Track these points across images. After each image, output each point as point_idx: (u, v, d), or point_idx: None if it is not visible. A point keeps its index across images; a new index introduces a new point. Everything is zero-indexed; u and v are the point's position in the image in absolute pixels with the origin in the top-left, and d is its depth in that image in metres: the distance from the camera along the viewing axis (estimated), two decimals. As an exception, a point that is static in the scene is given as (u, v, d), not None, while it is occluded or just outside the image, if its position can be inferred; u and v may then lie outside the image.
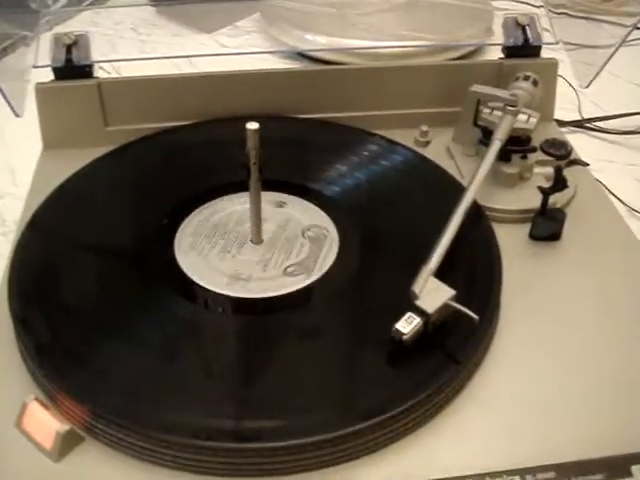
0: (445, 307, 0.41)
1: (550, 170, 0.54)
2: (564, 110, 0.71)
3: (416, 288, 0.42)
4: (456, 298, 0.41)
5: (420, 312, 0.41)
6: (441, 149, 0.58)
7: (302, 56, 0.86)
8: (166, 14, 0.94)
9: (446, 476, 0.37)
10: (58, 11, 0.64)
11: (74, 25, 0.84)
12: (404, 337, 0.40)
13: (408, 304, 0.41)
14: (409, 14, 0.88)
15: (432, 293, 0.41)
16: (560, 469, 0.37)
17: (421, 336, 0.40)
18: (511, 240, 0.50)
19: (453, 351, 0.41)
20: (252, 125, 0.41)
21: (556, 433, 0.39)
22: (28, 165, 0.58)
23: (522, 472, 0.37)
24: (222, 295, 0.45)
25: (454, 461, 0.38)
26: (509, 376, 0.42)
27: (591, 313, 0.46)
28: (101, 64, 0.60)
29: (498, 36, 0.85)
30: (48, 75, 0.57)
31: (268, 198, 0.51)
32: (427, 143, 0.59)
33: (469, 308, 0.41)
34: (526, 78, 0.56)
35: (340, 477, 0.37)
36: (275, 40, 0.88)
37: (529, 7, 0.89)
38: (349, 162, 0.55)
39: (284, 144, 0.55)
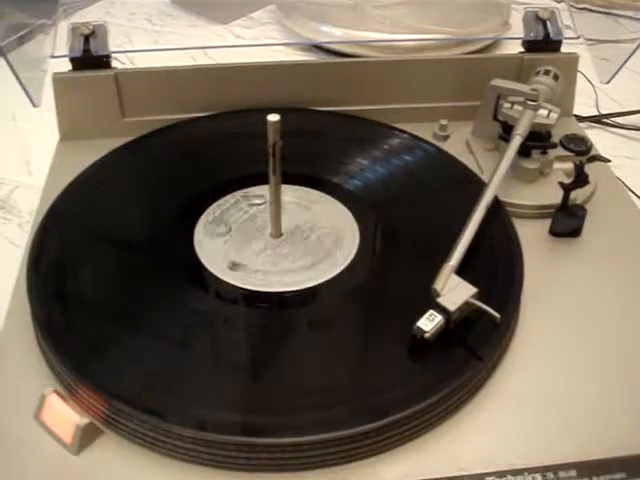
0: (467, 305, 0.41)
1: (570, 166, 0.54)
2: (581, 105, 0.70)
3: (438, 286, 0.41)
4: (478, 295, 0.41)
5: (442, 310, 0.40)
6: (460, 143, 0.57)
7: (317, 48, 0.86)
8: (181, 5, 0.94)
9: (467, 473, 0.37)
10: (76, 0, 0.64)
11: (88, 15, 0.83)
12: (426, 335, 0.40)
13: (429, 302, 0.41)
14: (425, 7, 0.88)
15: (454, 291, 0.41)
16: (581, 467, 0.37)
17: (442, 333, 0.40)
18: (531, 236, 0.49)
19: (474, 348, 0.40)
20: (273, 117, 0.41)
21: (577, 431, 0.39)
22: (43, 155, 0.58)
23: (543, 470, 0.37)
24: (239, 288, 0.45)
25: (475, 458, 0.37)
26: (530, 373, 0.41)
27: (611, 310, 0.45)
28: (116, 55, 0.59)
29: (515, 30, 0.85)
30: (64, 65, 0.57)
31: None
32: (446, 137, 0.58)
33: (490, 305, 0.41)
34: (547, 72, 0.56)
35: (360, 474, 0.37)
36: (290, 32, 0.88)
37: (547, 1, 0.88)
38: (376, 160, 0.55)
39: (305, 137, 0.55)
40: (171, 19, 0.92)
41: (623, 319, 0.45)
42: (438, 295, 0.41)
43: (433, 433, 0.38)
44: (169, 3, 0.94)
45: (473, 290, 0.41)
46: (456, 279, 0.42)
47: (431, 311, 0.40)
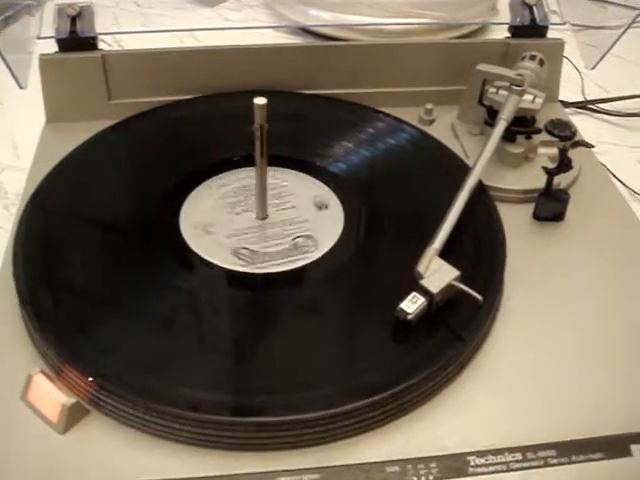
0: (449, 287, 0.41)
1: (554, 151, 0.54)
2: (567, 91, 0.71)
3: (421, 268, 0.42)
4: (460, 278, 0.42)
5: (424, 292, 0.41)
6: (446, 128, 0.58)
7: (305, 31, 0.86)
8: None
9: (449, 453, 0.37)
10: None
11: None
12: (409, 317, 0.40)
13: (413, 284, 0.41)
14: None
15: (437, 273, 0.42)
16: (561, 447, 0.38)
17: (425, 315, 0.41)
18: (514, 220, 0.50)
19: (457, 329, 0.41)
20: (260, 100, 0.41)
21: (557, 411, 0.39)
22: (30, 137, 0.58)
23: (524, 450, 0.37)
24: (223, 268, 0.45)
25: (457, 438, 0.38)
26: (512, 354, 0.42)
27: (593, 293, 0.46)
28: (103, 37, 0.59)
29: (502, 15, 0.85)
30: (50, 46, 0.57)
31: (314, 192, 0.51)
32: (432, 121, 0.59)
33: (473, 287, 0.41)
34: (532, 58, 0.56)
35: (343, 453, 0.37)
36: (278, 15, 0.88)
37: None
38: (361, 143, 0.55)
39: (290, 120, 0.55)
40: (159, 2, 0.92)
41: (604, 302, 0.45)
42: (421, 277, 0.41)
43: (415, 413, 0.39)
44: (157, -15, 0.94)
45: (456, 273, 0.42)
46: (439, 262, 0.42)
47: (414, 293, 0.41)
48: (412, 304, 0.40)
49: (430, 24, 0.83)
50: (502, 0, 0.88)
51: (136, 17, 0.88)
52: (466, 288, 0.41)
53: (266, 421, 0.37)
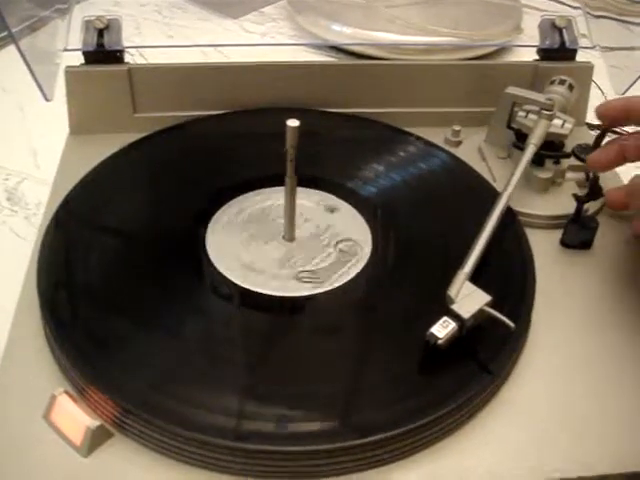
0: (480, 313, 0.41)
1: (582, 176, 0.54)
2: (590, 112, 0.70)
3: (452, 292, 0.41)
4: (492, 303, 0.41)
5: (455, 317, 0.40)
6: (473, 149, 0.57)
7: (328, 46, 0.85)
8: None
9: (474, 486, 0.37)
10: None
11: (97, 4, 0.83)
12: (439, 341, 0.39)
13: (444, 308, 0.41)
14: (436, 8, 0.87)
15: (468, 298, 0.41)
16: (585, 482, 0.37)
17: (455, 344, 0.40)
18: (542, 246, 0.49)
19: (486, 360, 0.40)
20: (293, 122, 0.41)
21: (584, 445, 0.39)
22: (50, 147, 0.58)
23: (549, 484, 0.37)
24: (248, 290, 0.44)
25: (481, 470, 0.37)
26: (538, 385, 0.41)
27: (621, 324, 0.45)
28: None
29: (527, 33, 0.85)
30: (75, 56, 0.57)
31: (319, 198, 0.51)
32: (459, 143, 0.58)
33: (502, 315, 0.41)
34: (562, 82, 0.56)
35: (368, 482, 0.37)
36: (301, 28, 0.88)
37: (555, 4, 0.88)
38: (390, 166, 0.54)
39: (317, 138, 0.54)
40: (181, 12, 0.92)
41: (632, 334, 0.45)
42: (452, 302, 0.41)
43: (442, 444, 0.38)
44: (179, -5, 0.94)
45: (487, 298, 0.41)
46: (470, 286, 0.42)
47: (445, 317, 0.40)
48: (443, 329, 0.40)
49: (455, 44, 0.83)
50: (526, 18, 0.89)
51: (159, 27, 0.88)
52: (498, 314, 0.40)
53: (298, 450, 0.36)
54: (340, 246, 0.48)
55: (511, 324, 0.40)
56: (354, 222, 0.50)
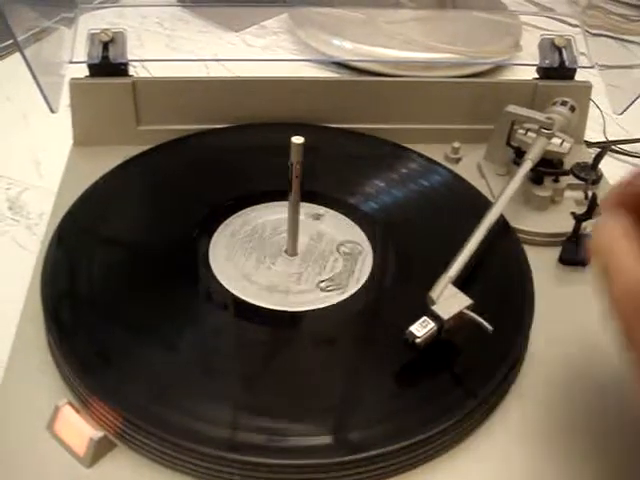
0: (460, 315, 0.41)
1: (580, 194, 0.54)
2: (588, 130, 0.71)
3: (434, 294, 0.42)
4: (473, 307, 0.41)
5: (435, 317, 0.41)
6: (472, 166, 0.58)
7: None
8: (192, 10, 0.94)
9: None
10: (96, 7, 0.64)
11: (99, 17, 0.83)
12: (417, 340, 0.40)
13: (425, 309, 0.41)
14: (436, 24, 0.88)
15: (449, 300, 0.42)
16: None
17: (459, 358, 0.41)
18: (540, 263, 0.50)
19: (483, 377, 0.41)
20: (297, 139, 0.41)
21: (575, 470, 0.39)
22: (53, 157, 0.58)
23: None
24: (250, 304, 0.45)
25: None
26: (538, 402, 0.42)
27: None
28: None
29: (526, 51, 0.85)
30: (79, 69, 0.57)
31: (304, 209, 0.51)
32: (458, 160, 0.59)
33: (501, 332, 0.41)
34: (564, 103, 0.57)
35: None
36: (302, 43, 0.88)
37: (554, 22, 0.88)
38: (390, 182, 0.55)
39: (319, 154, 0.55)
40: (182, 23, 0.92)
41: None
42: (433, 303, 0.41)
43: (442, 458, 0.39)
44: (181, 7, 0.94)
45: (469, 301, 0.42)
46: (453, 289, 0.42)
47: (425, 317, 0.41)
48: (422, 328, 0.40)
49: (456, 61, 0.83)
50: (525, 35, 0.90)
51: (160, 39, 0.88)
52: (477, 317, 0.41)
53: (300, 464, 0.37)
54: (342, 249, 0.48)
55: (489, 327, 0.40)
56: (342, 224, 0.51)
